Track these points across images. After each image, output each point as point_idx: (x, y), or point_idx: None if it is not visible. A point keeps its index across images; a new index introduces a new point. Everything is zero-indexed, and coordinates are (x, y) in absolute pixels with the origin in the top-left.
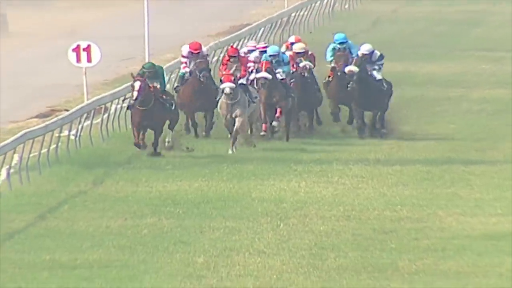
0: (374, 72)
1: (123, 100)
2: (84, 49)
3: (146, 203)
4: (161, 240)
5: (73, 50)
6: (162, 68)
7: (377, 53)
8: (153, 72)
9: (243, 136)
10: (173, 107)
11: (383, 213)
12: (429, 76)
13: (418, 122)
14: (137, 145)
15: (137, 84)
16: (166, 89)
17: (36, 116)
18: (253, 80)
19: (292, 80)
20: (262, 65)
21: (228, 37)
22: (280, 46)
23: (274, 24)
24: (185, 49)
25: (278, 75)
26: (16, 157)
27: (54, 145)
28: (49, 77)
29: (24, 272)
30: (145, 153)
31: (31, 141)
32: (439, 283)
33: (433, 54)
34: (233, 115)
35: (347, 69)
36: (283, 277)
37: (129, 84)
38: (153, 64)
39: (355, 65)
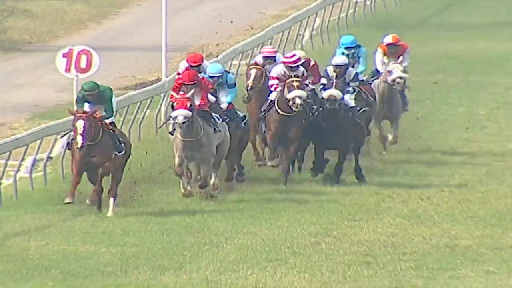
0: (346, 97)
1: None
2: None
3: (436, 61)
4: (446, 94)
5: None
6: (109, 89)
7: (352, 70)
8: (95, 95)
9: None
10: (123, 147)
11: None
12: None
13: None
14: (71, 197)
15: (80, 125)
16: (114, 118)
17: None
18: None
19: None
20: None
21: None
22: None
23: None
24: (182, 65)
25: (223, 102)
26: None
27: (352, 10)
28: None
29: None
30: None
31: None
32: None
33: None
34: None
35: (326, 94)
36: None
37: None
38: (96, 84)
39: (337, 88)
